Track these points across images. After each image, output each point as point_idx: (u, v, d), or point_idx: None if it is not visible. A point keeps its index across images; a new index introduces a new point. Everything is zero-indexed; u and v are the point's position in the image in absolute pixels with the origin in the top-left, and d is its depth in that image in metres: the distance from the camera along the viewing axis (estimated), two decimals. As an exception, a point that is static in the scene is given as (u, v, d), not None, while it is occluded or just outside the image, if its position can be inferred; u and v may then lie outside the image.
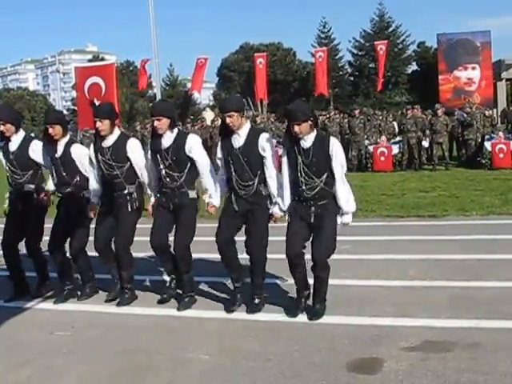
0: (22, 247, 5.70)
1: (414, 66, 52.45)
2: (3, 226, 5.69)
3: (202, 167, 5.02)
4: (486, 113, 16.70)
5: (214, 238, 4.98)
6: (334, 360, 3.89)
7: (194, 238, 5.16)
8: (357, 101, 45.20)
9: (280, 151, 4.83)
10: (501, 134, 15.32)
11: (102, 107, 5.39)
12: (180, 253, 5.06)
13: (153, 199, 5.24)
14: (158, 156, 5.01)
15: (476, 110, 16.32)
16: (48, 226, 5.65)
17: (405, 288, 5.39)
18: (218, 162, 5.05)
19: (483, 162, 14.99)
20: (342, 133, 16.74)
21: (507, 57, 32.91)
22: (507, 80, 33.28)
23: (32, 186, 5.52)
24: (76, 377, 3.93)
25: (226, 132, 4.87)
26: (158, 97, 16.26)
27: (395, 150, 16.07)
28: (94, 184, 5.35)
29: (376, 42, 24.10)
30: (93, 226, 5.50)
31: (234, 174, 4.84)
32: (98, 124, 5.10)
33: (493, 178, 12.72)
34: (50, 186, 5.61)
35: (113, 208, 5.28)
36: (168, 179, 5.01)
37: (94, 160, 5.29)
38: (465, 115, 16.12)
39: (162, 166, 5.00)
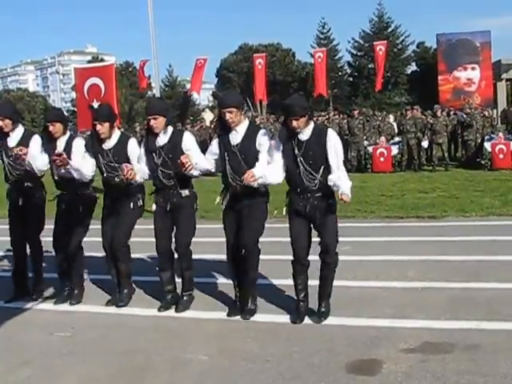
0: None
1: (413, 67, 52.46)
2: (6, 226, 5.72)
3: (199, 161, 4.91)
4: (486, 113, 16.72)
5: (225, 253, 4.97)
6: (333, 361, 3.89)
7: (193, 239, 5.16)
8: (356, 101, 45.23)
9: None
10: (501, 134, 15.34)
11: (101, 110, 5.36)
12: (182, 251, 5.07)
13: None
14: (154, 155, 5.01)
15: (476, 111, 16.33)
16: (48, 226, 5.65)
17: (404, 289, 5.39)
18: (211, 157, 4.95)
19: (483, 162, 14.99)
20: (342, 133, 16.73)
21: (507, 57, 32.90)
22: (507, 80, 33.27)
23: (32, 182, 5.50)
24: (75, 377, 3.93)
25: (224, 128, 4.83)
26: (158, 98, 16.23)
27: (395, 150, 16.08)
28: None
29: (375, 43, 24.08)
30: (94, 226, 5.50)
31: (230, 170, 4.79)
32: (99, 127, 5.09)
33: (493, 179, 12.72)
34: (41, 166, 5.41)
35: (116, 207, 5.29)
36: (163, 178, 5.01)
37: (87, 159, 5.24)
38: (464, 116, 16.13)
39: (157, 165, 5.00)
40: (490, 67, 28.02)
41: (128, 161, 5.16)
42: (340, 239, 4.88)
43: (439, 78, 28.85)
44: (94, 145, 5.22)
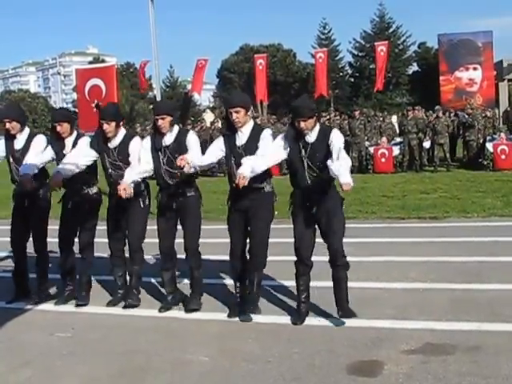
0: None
1: (414, 67, 52.47)
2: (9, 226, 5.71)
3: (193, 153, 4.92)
4: (488, 113, 16.69)
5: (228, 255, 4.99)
6: (334, 362, 3.88)
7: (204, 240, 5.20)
8: (357, 102, 45.26)
9: None
10: (503, 135, 15.29)
11: (108, 109, 5.38)
12: (191, 252, 5.08)
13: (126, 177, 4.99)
14: (160, 154, 5.03)
15: (477, 111, 16.30)
16: (52, 227, 5.65)
17: (405, 290, 5.37)
18: (216, 151, 4.90)
19: (485, 163, 14.96)
20: (343, 134, 16.72)
21: (509, 57, 32.84)
22: (509, 81, 33.21)
23: (37, 183, 5.45)
24: (76, 378, 3.92)
25: (230, 128, 4.85)
26: (158, 99, 16.24)
27: (396, 151, 16.06)
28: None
29: (376, 43, 24.04)
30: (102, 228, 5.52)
31: (235, 171, 4.75)
32: (105, 126, 5.13)
33: (494, 180, 12.70)
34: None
35: (123, 208, 5.26)
36: (168, 176, 5.03)
37: (87, 154, 5.24)
38: (466, 116, 16.10)
39: (162, 164, 5.02)
40: (492, 67, 27.97)
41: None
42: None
43: (441, 78, 28.80)
44: (100, 143, 5.25)
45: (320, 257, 5.71)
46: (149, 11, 13.80)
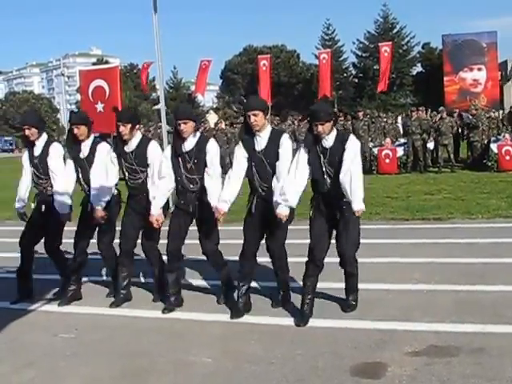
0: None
1: (418, 68, 52.47)
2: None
3: (211, 164, 4.99)
4: (492, 114, 16.64)
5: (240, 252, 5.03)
6: (338, 364, 3.87)
7: (198, 241, 5.18)
8: (361, 103, 45.23)
9: None
10: (507, 136, 15.24)
11: (124, 112, 5.49)
12: (211, 255, 5.15)
13: (154, 210, 5.09)
14: (180, 159, 5.05)
15: (482, 112, 16.25)
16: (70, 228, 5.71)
17: (409, 292, 5.36)
18: (235, 162, 4.99)
19: (489, 164, 14.90)
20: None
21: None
22: (514, 81, 33.16)
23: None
24: (79, 379, 3.93)
25: (248, 132, 4.90)
26: (162, 100, 16.15)
27: (400, 152, 16.02)
28: (106, 188, 5.36)
29: (380, 44, 23.98)
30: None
31: (256, 175, 4.88)
32: (122, 128, 5.18)
33: (499, 181, 12.67)
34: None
35: (139, 210, 5.32)
36: (188, 182, 5.05)
37: (114, 164, 5.34)
38: (470, 117, 16.06)
39: (182, 169, 5.04)
40: (497, 68, 27.95)
41: (148, 164, 5.24)
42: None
43: (445, 79, 28.80)
44: (118, 147, 5.31)
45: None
46: (152, 12, 13.79)
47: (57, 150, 5.58)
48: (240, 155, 4.94)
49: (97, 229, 5.56)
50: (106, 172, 5.33)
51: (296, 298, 5.18)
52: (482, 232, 7.76)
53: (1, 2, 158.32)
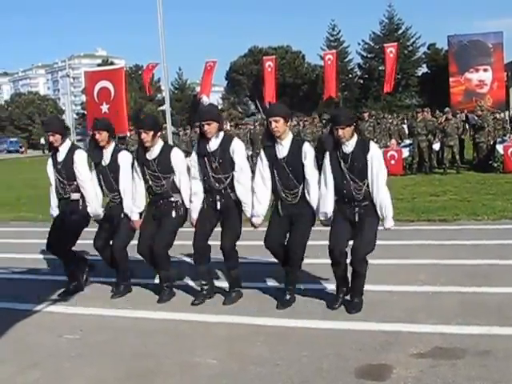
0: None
1: (424, 69, 52.37)
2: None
3: (240, 170, 5.13)
4: (497, 115, 16.58)
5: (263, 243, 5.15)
6: (343, 366, 3.86)
7: (209, 242, 5.25)
8: (366, 104, 45.18)
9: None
10: (513, 137, 15.18)
11: (146, 119, 5.62)
12: (227, 251, 5.21)
13: (194, 214, 5.32)
14: (206, 159, 5.15)
15: (487, 113, 16.19)
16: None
17: (414, 293, 5.34)
18: (258, 172, 5.12)
19: (495, 165, 14.83)
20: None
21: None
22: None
23: (78, 195, 5.71)
24: (84, 380, 3.93)
25: (270, 138, 5.01)
26: (167, 101, 16.20)
27: (405, 153, 15.98)
28: (138, 198, 5.49)
29: (386, 45, 23.93)
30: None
31: (279, 182, 5.03)
32: (143, 135, 5.27)
33: (505, 182, 12.61)
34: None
35: (158, 215, 5.41)
36: (214, 181, 5.15)
37: (138, 172, 5.42)
38: (476, 118, 16.01)
39: (208, 169, 5.15)
40: (503, 69, 27.82)
41: (172, 171, 5.32)
42: (351, 242, 4.86)
43: (450, 79, 28.69)
44: (140, 154, 5.39)
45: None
46: (157, 13, 13.83)
47: (82, 157, 5.70)
48: (263, 163, 5.09)
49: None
50: (133, 181, 5.47)
51: (301, 299, 5.19)
52: (488, 233, 7.73)
53: (6, 3, 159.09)
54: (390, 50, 21.78)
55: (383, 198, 4.80)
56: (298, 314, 4.88)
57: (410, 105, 46.71)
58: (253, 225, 5.18)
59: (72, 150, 5.72)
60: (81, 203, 5.70)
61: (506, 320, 4.48)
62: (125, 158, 5.56)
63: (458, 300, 5.06)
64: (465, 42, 28.36)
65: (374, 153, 4.79)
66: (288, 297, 5.13)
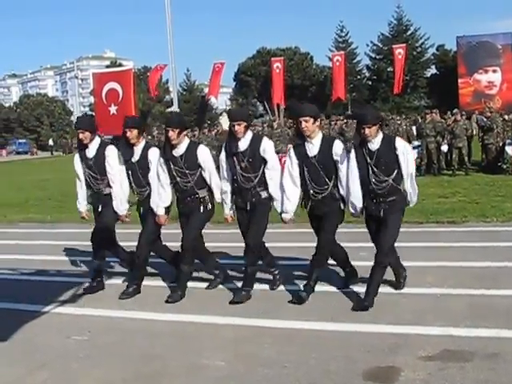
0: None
1: (433, 70, 52.11)
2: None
3: (272, 168, 5.31)
4: (506, 117, 16.47)
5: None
6: (351, 368, 3.85)
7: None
8: (375, 105, 44.99)
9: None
10: (522, 138, 15.05)
11: (173, 117, 5.79)
12: (253, 246, 5.34)
13: (227, 210, 5.51)
14: (235, 158, 5.31)
15: (496, 114, 16.09)
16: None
17: (423, 295, 5.31)
18: (287, 169, 5.26)
19: (504, 167, 14.74)
20: (359, 137, 16.60)
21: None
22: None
23: (111, 189, 5.86)
24: (92, 381, 3.95)
25: (300, 137, 5.18)
26: (175, 102, 16.27)
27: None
28: (163, 193, 5.59)
29: (394, 46, 23.90)
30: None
31: (309, 180, 5.18)
32: (170, 133, 5.40)
33: (514, 184, 12.53)
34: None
35: (186, 211, 5.56)
36: (244, 180, 5.30)
37: (164, 169, 5.53)
38: (485, 119, 15.92)
39: (238, 169, 5.31)
40: (512, 70, 27.68)
41: (198, 167, 5.46)
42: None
43: (459, 81, 28.62)
44: (167, 151, 5.51)
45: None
46: (166, 15, 13.89)
47: (113, 152, 5.87)
48: (292, 162, 5.24)
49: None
50: (160, 177, 5.58)
51: (308, 300, 5.18)
52: (497, 235, 7.68)
53: (15, 5, 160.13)
54: (399, 51, 21.75)
55: (414, 187, 5.05)
56: (305, 316, 4.87)
57: (419, 106, 46.47)
58: (283, 220, 5.37)
59: (103, 146, 5.91)
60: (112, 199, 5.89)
61: (515, 323, 4.44)
62: (154, 155, 5.70)
63: (467, 302, 5.03)
64: (474, 42, 28.27)
65: (404, 149, 4.99)
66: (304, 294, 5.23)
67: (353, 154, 5.04)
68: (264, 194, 5.34)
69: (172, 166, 5.48)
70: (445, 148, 15.60)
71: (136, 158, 5.73)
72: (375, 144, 4.97)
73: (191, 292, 5.70)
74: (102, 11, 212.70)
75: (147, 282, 5.99)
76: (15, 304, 5.65)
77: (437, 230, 8.47)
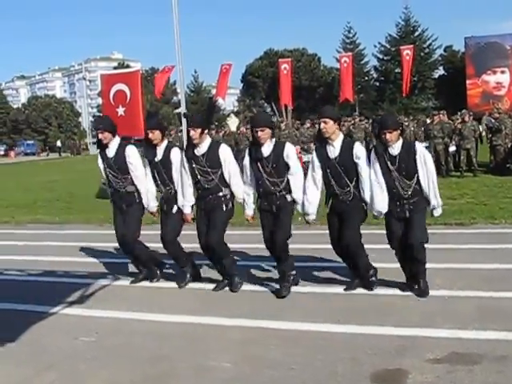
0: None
1: (440, 71, 51.97)
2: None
3: (294, 173, 5.39)
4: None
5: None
6: (358, 370, 3.84)
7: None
8: (382, 106, 44.96)
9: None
10: (531, 139, 14.95)
11: (194, 117, 5.89)
12: (280, 247, 5.44)
13: (248, 211, 5.60)
14: (259, 164, 5.39)
15: (505, 116, 16.01)
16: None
17: (431, 297, 5.28)
18: (310, 171, 5.38)
19: (512, 168, 14.66)
20: (367, 139, 16.58)
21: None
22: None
23: (133, 187, 5.98)
24: (99, 382, 3.95)
25: (320, 139, 5.32)
26: (183, 103, 16.23)
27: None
28: (186, 192, 5.71)
29: (402, 47, 23.81)
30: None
31: (332, 181, 5.30)
32: (192, 132, 5.51)
33: (523, 185, 12.45)
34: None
35: (207, 209, 5.64)
36: (269, 185, 5.37)
37: (186, 168, 5.63)
38: (493, 120, 15.84)
39: (263, 173, 5.39)
40: (520, 71, 27.53)
41: (220, 166, 5.55)
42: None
43: (467, 82, 28.49)
44: (189, 151, 5.60)
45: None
46: (173, 16, 13.91)
47: (133, 151, 5.96)
48: (314, 166, 5.36)
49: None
50: (183, 177, 5.67)
51: (314, 302, 5.16)
52: (506, 237, 7.63)
53: (23, 7, 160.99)
54: (407, 52, 21.68)
55: (435, 191, 5.26)
56: (311, 318, 4.86)
57: (427, 107, 46.30)
58: (307, 222, 5.52)
59: (122, 145, 5.98)
60: (136, 195, 5.98)
61: (523, 325, 4.41)
62: (176, 155, 5.80)
63: (475, 305, 5.00)
64: (482, 43, 28.15)
65: (424, 155, 5.13)
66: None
67: (376, 160, 5.15)
68: (289, 198, 5.43)
69: (194, 165, 5.57)
70: (452, 149, 15.53)
71: (159, 157, 5.83)
72: (396, 149, 5.10)
73: (197, 293, 5.70)
74: (109, 13, 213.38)
75: (154, 284, 6.00)
76: (23, 305, 5.67)
77: (445, 231, 8.42)
